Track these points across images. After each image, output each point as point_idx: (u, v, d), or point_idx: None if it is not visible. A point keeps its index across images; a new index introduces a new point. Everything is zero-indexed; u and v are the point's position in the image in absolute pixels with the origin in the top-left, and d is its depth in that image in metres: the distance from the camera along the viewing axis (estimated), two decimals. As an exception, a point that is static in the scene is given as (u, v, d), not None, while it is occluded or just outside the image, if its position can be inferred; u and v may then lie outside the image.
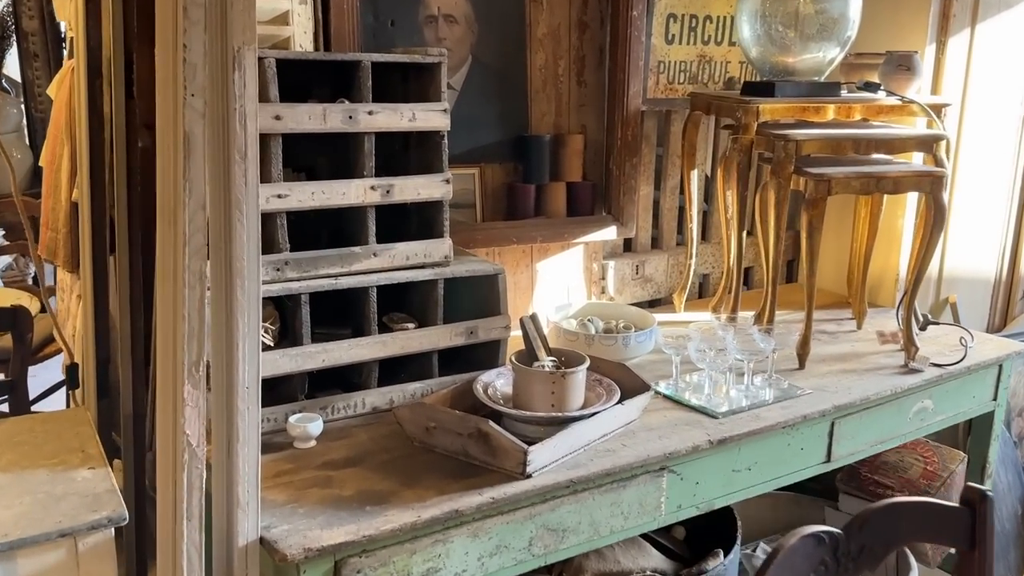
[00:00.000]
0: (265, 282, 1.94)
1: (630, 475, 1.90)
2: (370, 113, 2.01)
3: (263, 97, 1.91)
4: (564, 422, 1.93)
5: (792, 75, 2.60)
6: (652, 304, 3.11)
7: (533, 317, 2.12)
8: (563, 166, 2.76)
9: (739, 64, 3.10)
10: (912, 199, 3.04)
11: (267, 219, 1.98)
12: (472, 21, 2.59)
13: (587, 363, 2.00)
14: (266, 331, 1.95)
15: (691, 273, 2.96)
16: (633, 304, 3.04)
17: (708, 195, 3.15)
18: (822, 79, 2.63)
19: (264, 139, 1.91)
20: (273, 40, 2.22)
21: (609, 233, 2.81)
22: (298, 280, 1.99)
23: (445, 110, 2.13)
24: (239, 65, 1.40)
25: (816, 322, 2.90)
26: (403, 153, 2.29)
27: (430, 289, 2.15)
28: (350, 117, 1.99)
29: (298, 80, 2.12)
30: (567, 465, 1.85)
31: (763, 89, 2.55)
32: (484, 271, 2.21)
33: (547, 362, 2.04)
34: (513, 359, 2.01)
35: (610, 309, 2.71)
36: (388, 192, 2.08)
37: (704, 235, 3.19)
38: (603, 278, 2.94)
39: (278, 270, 1.96)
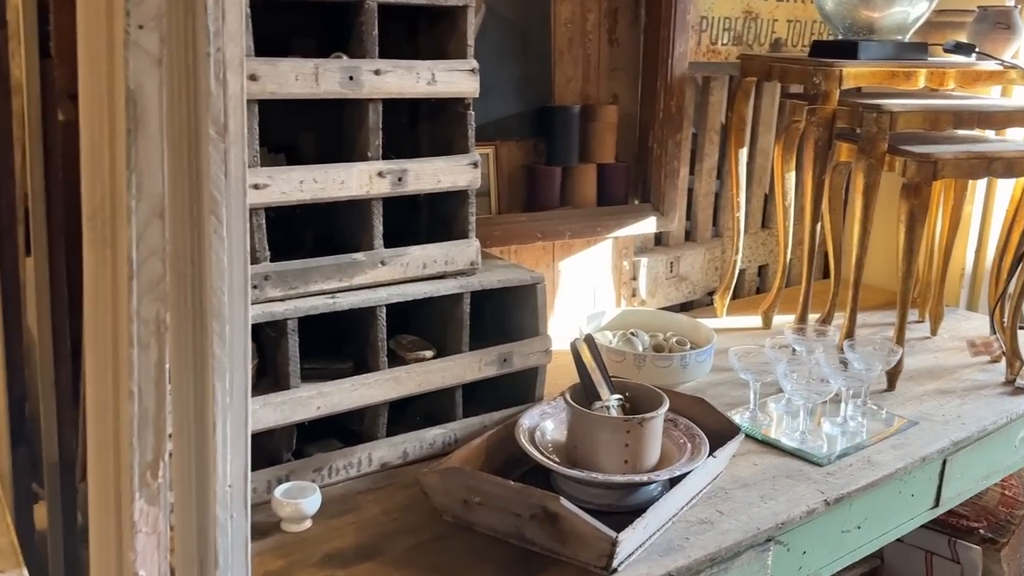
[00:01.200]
0: (238, 304, 1.41)
1: (734, 554, 1.44)
2: (377, 72, 1.49)
3: (232, 48, 1.37)
4: (646, 487, 1.46)
5: (872, 34, 2.15)
6: (686, 307, 2.65)
7: (589, 340, 1.64)
8: (593, 144, 2.27)
9: (787, 24, 2.64)
10: (981, 185, 2.64)
11: (239, 218, 1.45)
12: (486, -38, 2.07)
13: (666, 404, 1.52)
14: (241, 371, 1.43)
15: (736, 271, 2.51)
16: (666, 308, 2.58)
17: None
18: (906, 39, 2.18)
19: (234, 107, 1.37)
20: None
21: (648, 225, 2.33)
22: (282, 300, 1.47)
23: (473, 70, 1.61)
24: (210, -14, 0.87)
25: (877, 327, 2.49)
26: (410, 129, 1.77)
27: (453, 306, 1.65)
28: (351, 78, 1.47)
29: (276, 29, 1.59)
30: (658, 549, 1.38)
31: (842, 50, 2.10)
32: (520, 280, 1.72)
33: (612, 401, 1.56)
34: (569, 398, 1.53)
35: (652, 318, 2.25)
36: (400, 180, 1.56)
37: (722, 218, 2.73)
38: (634, 278, 2.47)
39: (255, 287, 1.44)
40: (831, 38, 2.28)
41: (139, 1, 0.80)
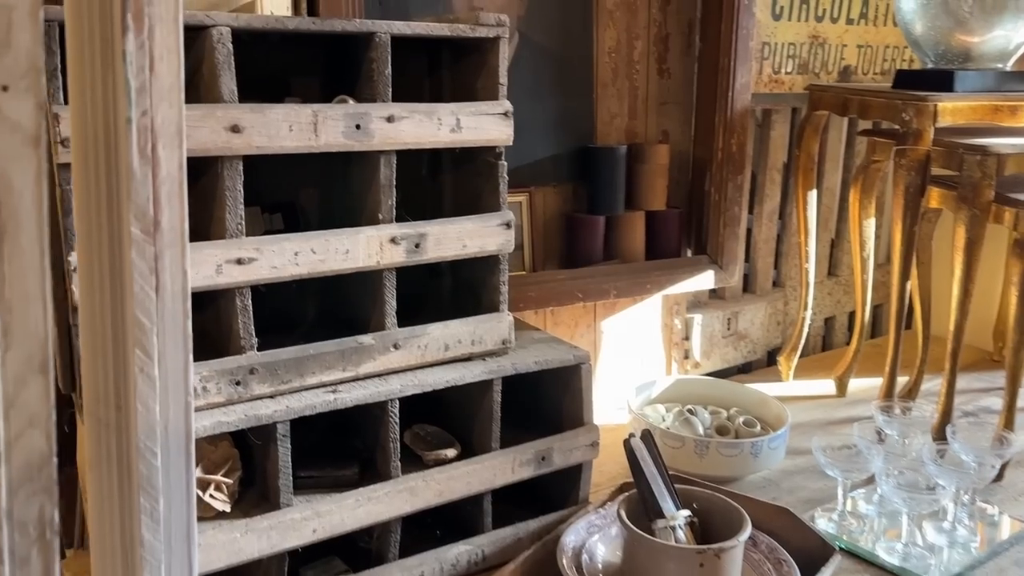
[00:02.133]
0: (216, 404, 1.15)
1: None
2: (390, 119, 1.23)
3: (212, 94, 1.11)
4: (724, 637, 1.17)
5: (968, 63, 1.85)
6: (745, 369, 2.35)
7: (646, 436, 1.34)
8: (641, 189, 1.98)
9: (857, 50, 2.35)
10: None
11: (220, 300, 1.19)
12: (519, -16, 1.81)
13: (747, 528, 1.23)
14: (218, 487, 1.16)
15: (804, 330, 2.20)
16: (724, 370, 2.28)
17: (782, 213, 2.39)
18: (1007, 68, 1.88)
19: (213, 165, 1.12)
20: (232, 5, 1.43)
21: (704, 281, 2.04)
22: (272, 397, 1.20)
23: (506, 113, 1.34)
24: (138, 22, 0.61)
25: (969, 393, 2.17)
26: (431, 181, 1.50)
27: (480, 394, 1.37)
28: (357, 127, 1.20)
29: (270, 67, 1.33)
30: None
31: (934, 80, 1.80)
32: (560, 360, 1.43)
33: (679, 520, 1.26)
34: (625, 517, 1.23)
35: (711, 389, 1.95)
36: (418, 246, 1.29)
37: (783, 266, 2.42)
38: (687, 338, 2.18)
39: (238, 383, 1.17)
40: (920, 67, 1.98)
41: (5, 46, 0.54)
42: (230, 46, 1.10)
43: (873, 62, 2.39)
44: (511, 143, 1.36)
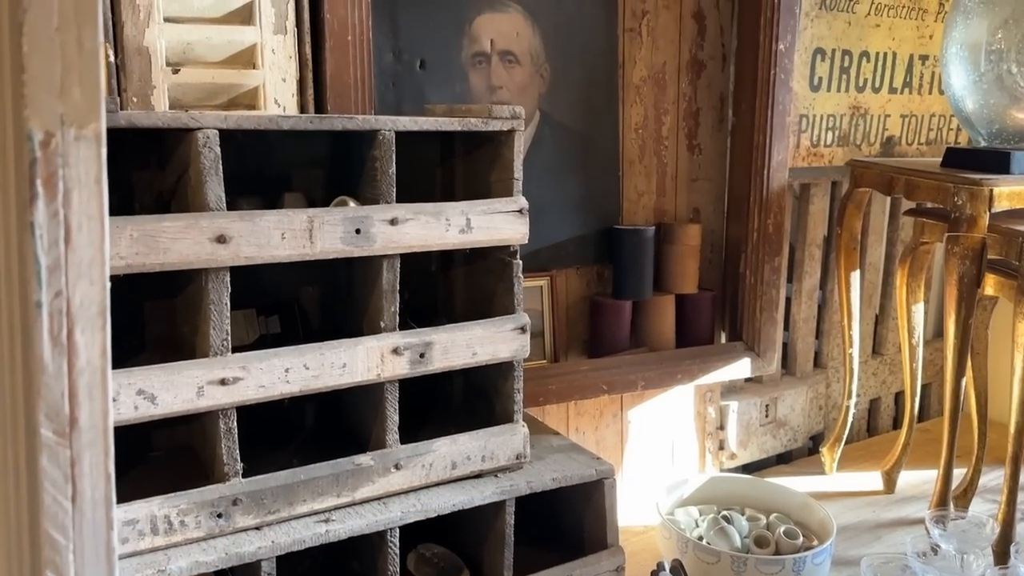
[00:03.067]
0: (195, 539, 1.04)
1: None
2: (393, 222, 1.13)
3: (198, 201, 1.03)
4: None
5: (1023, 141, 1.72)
6: (784, 458, 2.19)
7: (676, 570, 1.20)
8: (671, 271, 1.86)
9: (900, 120, 2.22)
10: None
11: (203, 422, 1.09)
12: (541, 61, 1.72)
13: None
14: (197, 632, 1.04)
15: (848, 419, 2.05)
16: (762, 461, 2.13)
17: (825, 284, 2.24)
18: (1068, 145, 1.74)
19: (198, 277, 1.02)
20: (232, 93, 1.35)
21: (740, 369, 1.90)
22: (257, 529, 1.09)
23: (521, 211, 1.24)
24: (50, 188, 0.51)
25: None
26: (440, 276, 1.40)
27: (492, 516, 1.25)
28: (357, 231, 1.11)
29: (268, 161, 1.25)
30: None
31: (988, 161, 1.67)
32: (581, 476, 1.31)
33: (711, 670, 1.12)
34: (650, 666, 1.09)
35: (749, 489, 1.80)
36: (423, 356, 1.18)
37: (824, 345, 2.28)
38: (721, 427, 2.03)
39: (220, 516, 1.06)
40: (971, 144, 1.85)
41: None
42: (218, 150, 1.02)
43: (918, 132, 2.26)
44: (526, 241, 1.26)
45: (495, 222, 1.22)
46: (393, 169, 1.14)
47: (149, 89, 1.27)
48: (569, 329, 1.83)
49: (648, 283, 1.83)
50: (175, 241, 0.99)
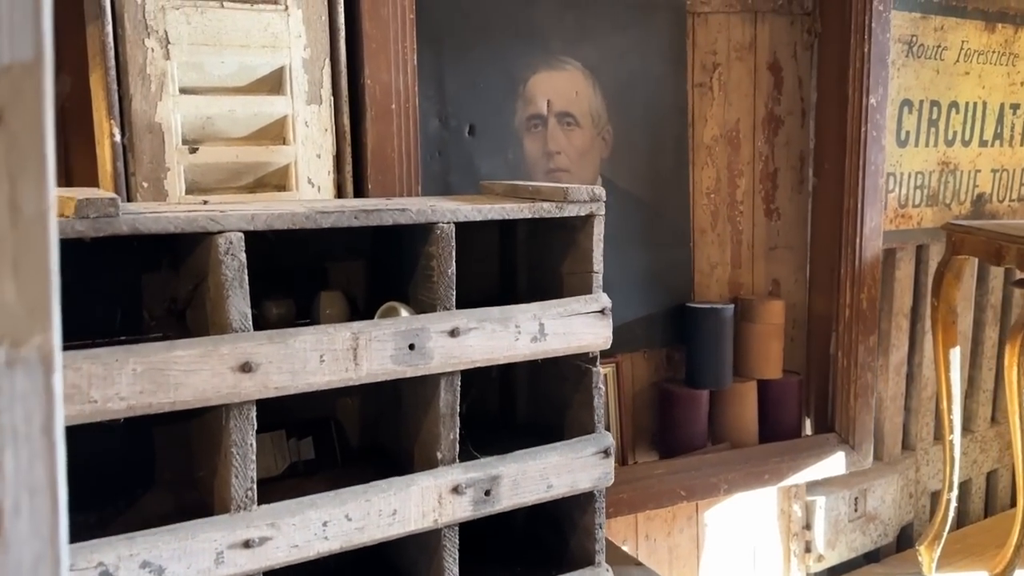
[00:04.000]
0: None
1: None
2: (453, 333, 0.93)
3: (218, 317, 0.83)
4: None
5: None
6: (872, 557, 1.94)
7: None
8: (752, 354, 1.65)
9: (991, 175, 2.01)
10: None
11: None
12: (602, 122, 1.53)
13: None
14: None
15: (950, 513, 1.80)
16: (850, 561, 1.88)
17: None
18: None
19: (217, 411, 0.83)
20: (259, 173, 1.17)
21: (834, 466, 1.67)
22: None
23: (603, 311, 1.03)
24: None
25: None
26: (500, 386, 1.20)
27: None
28: (411, 347, 0.90)
29: (303, 253, 1.06)
30: None
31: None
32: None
33: None
34: None
35: (849, 607, 1.56)
36: (488, 494, 0.97)
37: (914, 424, 2.03)
38: (808, 527, 1.79)
39: None
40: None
41: None
42: (243, 257, 0.82)
43: (1009, 188, 2.05)
44: (609, 346, 1.05)
45: (573, 326, 1.01)
46: (453, 269, 0.94)
47: (162, 172, 1.09)
48: (636, 421, 1.61)
49: (727, 369, 1.61)
50: (189, 374, 0.80)
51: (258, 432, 0.92)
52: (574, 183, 1.50)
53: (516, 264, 1.18)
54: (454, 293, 0.95)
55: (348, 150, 1.22)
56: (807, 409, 1.73)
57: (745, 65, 1.65)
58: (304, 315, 1.08)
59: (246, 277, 0.83)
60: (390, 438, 1.09)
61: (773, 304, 1.65)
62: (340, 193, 1.22)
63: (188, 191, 1.12)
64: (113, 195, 0.78)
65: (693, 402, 1.59)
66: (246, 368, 0.82)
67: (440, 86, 1.40)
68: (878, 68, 1.60)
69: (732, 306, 1.61)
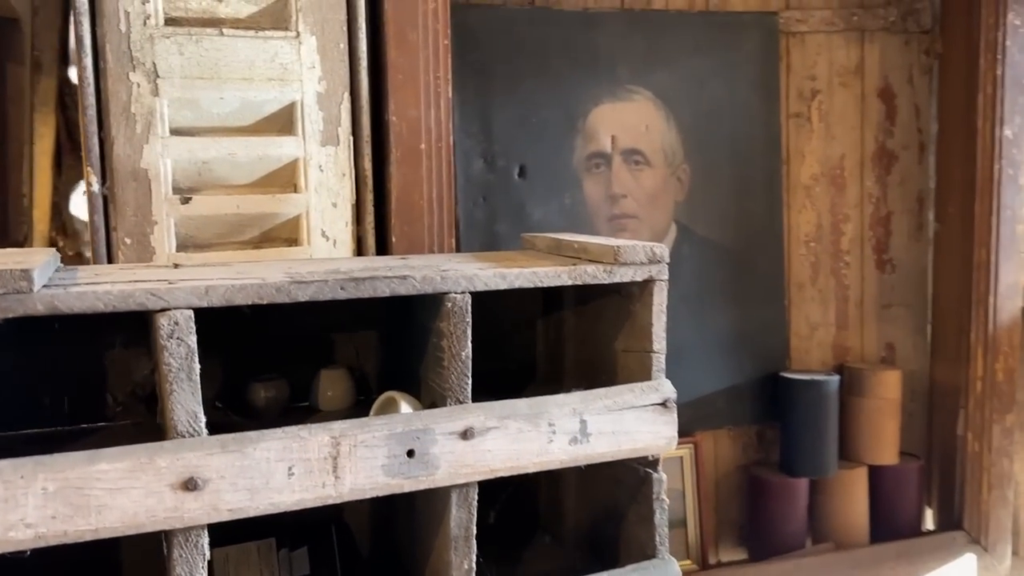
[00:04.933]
0: None
1: None
2: (466, 435, 0.72)
3: (164, 418, 0.66)
4: None
5: None
6: (1018, 675, 1.61)
7: None
8: (861, 434, 1.38)
9: None
10: None
11: None
12: (678, 160, 1.31)
13: None
14: None
15: (1117, 634, 1.47)
16: None
17: None
18: None
19: (155, 542, 0.64)
20: (265, 225, 1.00)
21: (963, 570, 1.37)
22: None
23: (665, 403, 0.81)
24: None
25: None
26: (543, 488, 0.98)
27: None
28: (411, 453, 0.70)
29: (300, 323, 0.88)
30: None
31: None
32: None
33: None
34: None
35: None
36: (513, 640, 0.75)
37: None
38: (932, 640, 1.49)
39: None
40: None
41: None
42: (191, 341, 0.65)
43: None
44: (674, 447, 0.83)
45: (625, 423, 0.79)
46: (468, 351, 0.74)
47: (148, 226, 0.94)
48: (720, 512, 1.36)
49: (831, 452, 1.34)
50: (116, 493, 0.62)
51: (243, 541, 0.75)
52: (643, 230, 1.29)
53: (563, 334, 0.97)
54: (469, 381, 0.74)
55: (369, 197, 1.04)
56: (929, 501, 1.44)
57: (851, 92, 1.40)
58: (303, 396, 0.90)
59: (196, 366, 0.65)
60: (407, 542, 0.89)
61: (887, 375, 1.38)
62: (360, 247, 1.04)
63: (180, 247, 0.96)
64: (26, 267, 0.62)
65: (789, 492, 1.33)
66: (190, 485, 0.64)
67: (485, 122, 1.21)
68: (1014, 93, 1.33)
69: (837, 377, 1.35)
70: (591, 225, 1.28)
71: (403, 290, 0.72)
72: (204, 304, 0.66)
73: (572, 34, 1.25)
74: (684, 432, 1.31)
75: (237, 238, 1.00)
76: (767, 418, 1.38)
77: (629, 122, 1.29)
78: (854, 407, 1.38)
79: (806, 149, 1.39)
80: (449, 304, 0.73)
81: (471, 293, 0.74)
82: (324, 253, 1.02)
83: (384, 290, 0.71)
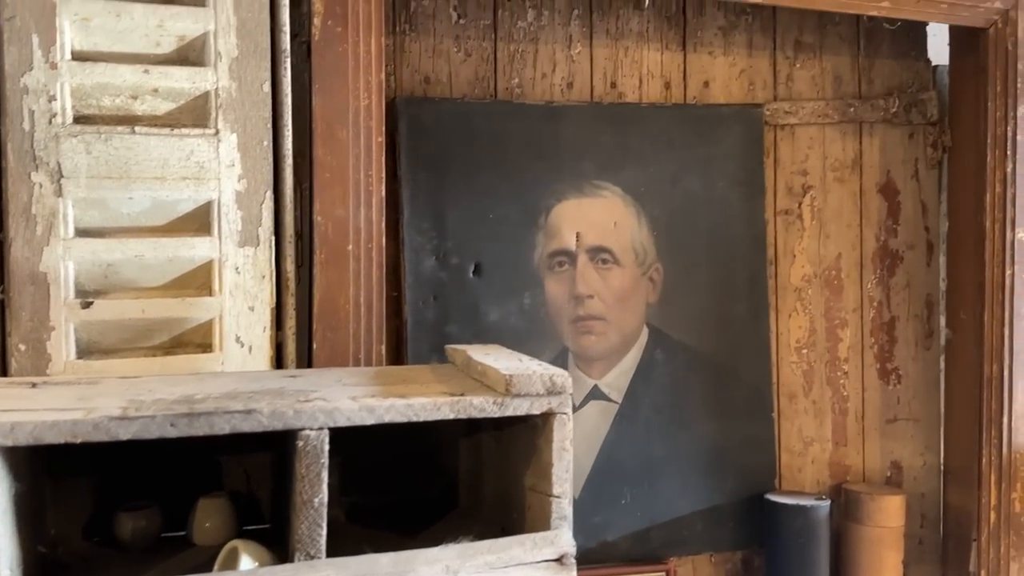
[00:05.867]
0: None
1: None
2: (312, 595, 0.63)
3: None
4: None
5: None
6: None
7: None
8: (860, 566, 1.23)
9: None
10: None
11: None
12: (649, 259, 1.22)
13: None
14: None
15: None
16: None
17: None
18: None
19: None
20: (175, 331, 0.94)
21: None
22: None
23: (561, 559, 0.70)
24: None
25: None
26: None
27: None
28: (241, 616, 0.61)
29: (184, 444, 0.81)
30: None
31: None
32: None
33: None
34: None
35: None
36: None
37: None
38: None
39: None
40: None
41: None
42: (-12, 485, 0.58)
43: None
44: (574, 610, 0.71)
45: (512, 582, 0.69)
46: (323, 497, 0.65)
47: (45, 332, 0.89)
48: (696, 651, 1.22)
49: (820, 586, 1.20)
50: None
51: None
52: (611, 332, 1.19)
53: (482, 460, 0.87)
54: (323, 532, 0.65)
55: (291, 301, 0.98)
56: (943, 648, 1.27)
57: (847, 187, 1.30)
58: (178, 526, 0.82)
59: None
60: None
61: (889, 500, 1.23)
62: (279, 355, 0.98)
63: (83, 353, 0.91)
64: None
65: (773, 631, 1.18)
66: (-31, 652, 0.56)
67: (438, 217, 1.15)
68: (1030, 190, 1.20)
69: (828, 502, 1.21)
70: (554, 327, 1.19)
71: (246, 427, 0.64)
72: (8, 443, 0.59)
73: (535, 128, 1.18)
74: (656, 558, 1.19)
75: (145, 343, 0.94)
76: (753, 543, 1.24)
77: (596, 219, 1.20)
78: (852, 535, 1.23)
79: (797, 248, 1.28)
80: (301, 443, 0.65)
81: (330, 429, 0.66)
82: (238, 360, 0.95)
83: (223, 427, 0.64)
